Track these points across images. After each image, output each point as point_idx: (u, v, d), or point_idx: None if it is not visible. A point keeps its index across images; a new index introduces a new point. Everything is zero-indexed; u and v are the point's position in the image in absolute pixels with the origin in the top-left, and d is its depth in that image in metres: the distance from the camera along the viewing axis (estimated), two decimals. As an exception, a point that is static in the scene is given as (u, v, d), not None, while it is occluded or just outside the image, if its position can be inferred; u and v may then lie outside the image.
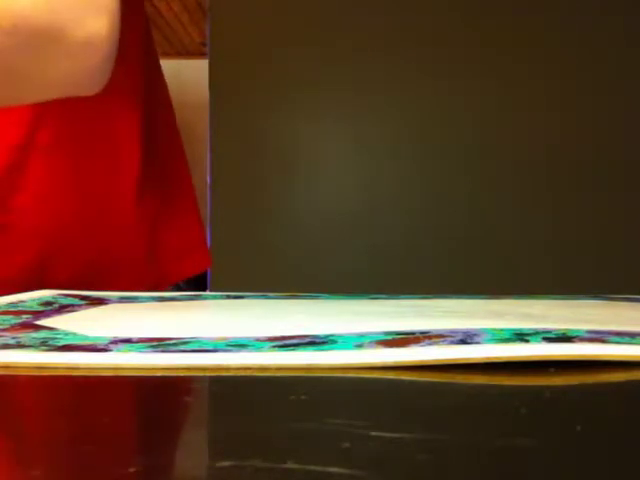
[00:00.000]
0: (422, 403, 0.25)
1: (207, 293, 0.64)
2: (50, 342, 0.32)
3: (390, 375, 0.27)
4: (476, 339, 0.31)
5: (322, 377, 0.28)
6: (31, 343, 0.32)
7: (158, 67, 0.75)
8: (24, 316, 0.43)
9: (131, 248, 0.71)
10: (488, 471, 0.18)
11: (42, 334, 0.35)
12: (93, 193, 0.69)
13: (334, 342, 0.31)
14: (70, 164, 0.68)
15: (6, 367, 0.29)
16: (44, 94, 0.56)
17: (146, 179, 0.70)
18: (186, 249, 0.75)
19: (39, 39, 0.49)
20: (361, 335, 0.33)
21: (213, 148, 0.97)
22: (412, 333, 0.33)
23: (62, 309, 0.47)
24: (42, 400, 0.26)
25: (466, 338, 0.31)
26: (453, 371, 0.28)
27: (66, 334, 0.35)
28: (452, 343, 0.30)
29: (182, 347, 0.31)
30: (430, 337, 0.32)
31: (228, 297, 0.57)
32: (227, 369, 0.28)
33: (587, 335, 0.32)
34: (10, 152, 0.65)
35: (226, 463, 0.18)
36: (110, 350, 0.30)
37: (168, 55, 3.81)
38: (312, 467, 0.18)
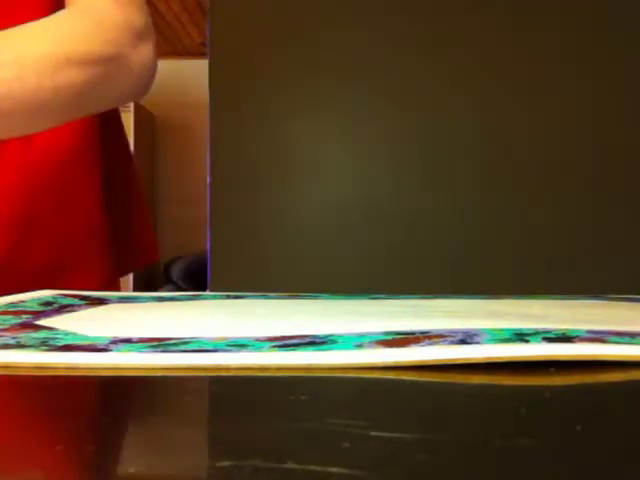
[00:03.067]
0: (422, 403, 0.25)
1: (207, 293, 0.64)
2: (50, 342, 0.32)
3: (390, 375, 0.27)
4: (476, 339, 0.31)
5: (322, 377, 0.28)
6: (31, 343, 0.32)
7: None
8: (24, 316, 0.43)
9: (94, 239, 0.76)
10: (488, 471, 0.18)
11: (42, 334, 0.35)
12: (62, 189, 0.75)
13: (334, 342, 0.31)
14: (41, 165, 0.74)
15: (6, 367, 0.29)
16: (109, 105, 0.70)
17: (107, 186, 0.79)
18: (138, 244, 0.84)
19: (112, 66, 0.64)
20: (361, 335, 0.33)
21: (213, 148, 0.97)
22: (412, 333, 0.33)
23: (62, 309, 0.47)
24: (42, 400, 0.26)
25: (466, 338, 0.31)
26: (453, 371, 0.28)
27: (66, 334, 0.35)
28: (452, 343, 0.30)
29: (182, 347, 0.31)
30: (430, 337, 0.32)
31: (228, 297, 0.57)
32: (227, 369, 0.28)
33: (587, 335, 0.32)
34: None
35: (226, 463, 0.18)
36: (110, 350, 0.30)
37: (168, 55, 3.81)
38: (312, 467, 0.18)
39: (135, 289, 3.07)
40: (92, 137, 0.77)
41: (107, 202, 0.78)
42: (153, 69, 0.69)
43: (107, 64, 0.64)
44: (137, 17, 0.67)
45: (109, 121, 0.81)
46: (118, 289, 0.81)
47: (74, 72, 0.61)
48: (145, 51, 0.67)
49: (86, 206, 0.76)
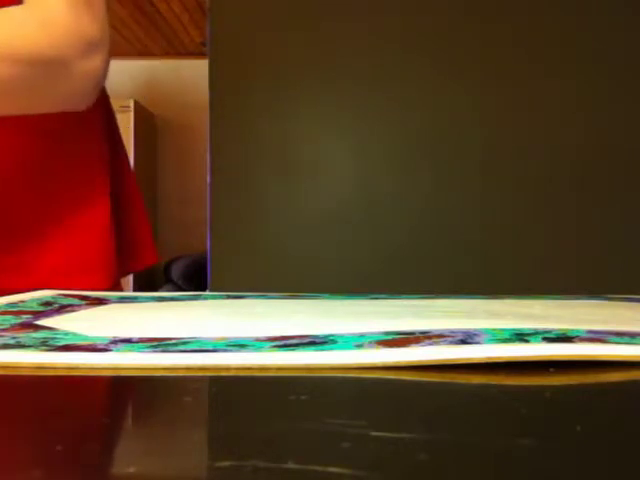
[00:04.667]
0: (422, 403, 0.25)
1: (207, 293, 0.64)
2: (50, 342, 0.32)
3: (390, 375, 0.27)
4: (476, 339, 0.31)
5: (322, 377, 0.28)
6: (31, 343, 0.32)
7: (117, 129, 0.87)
8: (24, 316, 0.43)
9: (104, 241, 0.78)
10: (488, 471, 0.18)
11: (42, 334, 0.35)
12: (75, 190, 0.77)
13: (334, 342, 0.31)
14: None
15: (6, 367, 0.29)
16: (45, 108, 0.69)
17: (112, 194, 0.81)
18: (137, 247, 0.85)
19: (51, 69, 0.64)
20: (361, 335, 0.33)
21: (213, 148, 0.97)
22: (412, 333, 0.33)
23: (62, 309, 0.47)
24: (42, 400, 0.26)
25: (466, 338, 0.31)
26: (453, 371, 0.28)
27: (66, 334, 0.35)
28: (452, 343, 0.30)
29: (182, 347, 0.31)
30: (430, 337, 0.32)
31: (228, 297, 0.57)
32: (227, 369, 0.28)
33: (587, 335, 0.32)
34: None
35: (226, 463, 0.18)
36: (110, 350, 0.30)
37: (168, 55, 3.81)
38: (312, 467, 0.18)
39: (135, 289, 3.07)
40: (101, 140, 0.77)
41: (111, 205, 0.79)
42: (99, 81, 0.69)
43: (47, 67, 0.64)
44: (90, 27, 0.67)
45: (111, 124, 0.81)
46: (121, 290, 0.82)
47: (14, 68, 0.61)
48: (93, 62, 0.67)
49: (97, 208, 0.77)
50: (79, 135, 0.77)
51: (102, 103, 0.80)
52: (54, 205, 0.75)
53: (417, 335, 0.32)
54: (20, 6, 0.66)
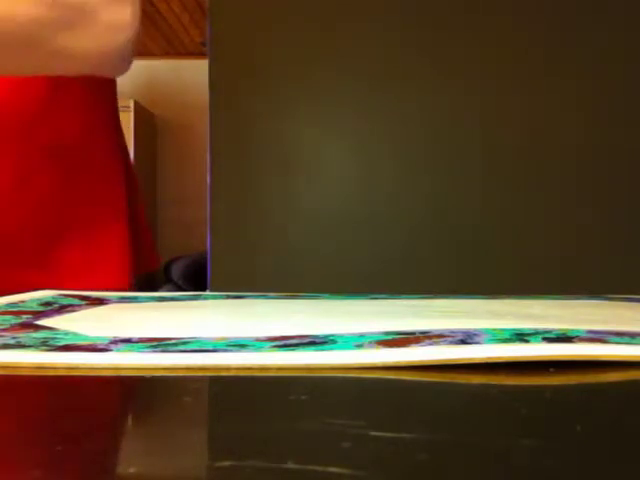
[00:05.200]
0: (422, 403, 0.25)
1: (207, 293, 0.64)
2: (50, 342, 0.32)
3: (390, 375, 0.27)
4: (476, 339, 0.31)
5: (322, 377, 0.28)
6: (31, 343, 0.32)
7: (122, 134, 0.85)
8: (24, 316, 0.43)
9: (118, 239, 0.78)
10: (488, 471, 0.18)
11: (42, 334, 0.35)
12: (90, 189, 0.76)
13: (334, 342, 0.31)
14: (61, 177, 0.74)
15: (6, 367, 0.29)
16: (70, 67, 0.63)
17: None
18: (141, 252, 0.85)
19: (72, 15, 0.57)
20: (361, 335, 0.33)
21: (213, 148, 0.97)
22: (412, 333, 0.33)
23: (62, 309, 0.47)
24: (42, 400, 0.26)
25: (466, 338, 0.31)
26: (453, 371, 0.28)
27: (66, 334, 0.35)
28: (452, 343, 0.30)
29: (182, 347, 0.31)
30: (430, 337, 0.32)
31: (228, 297, 0.57)
32: (227, 369, 0.28)
33: (587, 335, 0.32)
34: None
35: (226, 463, 0.18)
36: (110, 350, 0.30)
37: (168, 55, 3.81)
38: (312, 467, 0.18)
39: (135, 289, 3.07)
40: (113, 136, 0.77)
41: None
42: (129, 38, 0.62)
43: (66, 9, 0.57)
44: None
45: (119, 130, 0.82)
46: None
47: (31, 5, 0.55)
48: (120, 12, 0.60)
49: (111, 207, 0.77)
50: (100, 150, 0.75)
51: (114, 108, 0.79)
52: (74, 211, 0.74)
53: (417, 335, 0.32)
54: None
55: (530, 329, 0.33)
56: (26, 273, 0.71)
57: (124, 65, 0.64)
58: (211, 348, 0.30)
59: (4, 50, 0.57)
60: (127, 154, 0.86)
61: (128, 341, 0.32)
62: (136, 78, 3.75)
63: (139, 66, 3.78)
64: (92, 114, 0.72)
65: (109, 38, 0.61)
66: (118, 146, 0.79)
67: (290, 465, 0.18)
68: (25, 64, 0.60)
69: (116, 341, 0.32)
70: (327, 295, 0.58)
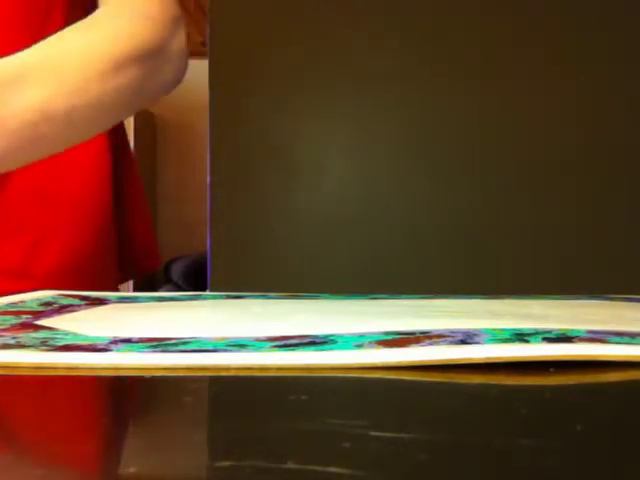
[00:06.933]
0: (422, 403, 0.25)
1: (207, 293, 0.64)
2: (50, 342, 0.32)
3: (390, 375, 0.27)
4: (476, 339, 0.31)
5: (322, 377, 0.28)
6: (31, 343, 0.32)
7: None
8: (24, 316, 0.43)
9: (106, 244, 0.77)
10: (488, 471, 0.18)
11: (42, 334, 0.35)
12: (76, 193, 0.76)
13: (334, 342, 0.31)
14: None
15: (6, 367, 0.29)
16: (152, 101, 0.69)
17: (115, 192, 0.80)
18: (140, 251, 0.85)
19: (153, 56, 0.62)
20: (361, 335, 0.33)
21: (213, 148, 0.97)
22: (412, 333, 0.33)
23: (62, 309, 0.47)
24: (42, 400, 0.26)
25: (466, 338, 0.31)
26: (453, 371, 0.28)
27: (66, 334, 0.35)
28: (452, 343, 0.30)
29: (182, 347, 0.31)
30: (430, 337, 0.32)
31: (228, 297, 0.57)
32: (227, 369, 0.28)
33: (587, 335, 0.32)
34: None
35: (226, 463, 0.18)
36: (110, 350, 0.30)
37: (168, 55, 3.81)
38: (312, 467, 0.18)
39: (135, 289, 3.07)
40: (104, 141, 0.77)
41: (113, 208, 0.78)
42: (187, 54, 0.68)
43: (156, 58, 0.62)
44: (173, 4, 0.66)
45: (118, 129, 0.81)
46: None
47: (132, 70, 0.60)
48: (182, 38, 0.66)
49: (99, 211, 0.76)
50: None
51: None
52: (55, 206, 0.74)
53: (417, 335, 0.32)
54: (107, 6, 0.64)
55: (530, 329, 0.33)
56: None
57: (183, 76, 0.69)
58: (211, 348, 0.30)
59: (110, 117, 0.63)
60: (130, 154, 0.86)
61: (128, 341, 0.32)
62: (136, 78, 3.74)
63: (139, 66, 3.77)
64: None
65: (180, 63, 0.66)
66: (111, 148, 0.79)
67: (290, 465, 0.18)
68: (122, 117, 0.66)
69: (116, 341, 0.32)
70: (327, 295, 0.58)
